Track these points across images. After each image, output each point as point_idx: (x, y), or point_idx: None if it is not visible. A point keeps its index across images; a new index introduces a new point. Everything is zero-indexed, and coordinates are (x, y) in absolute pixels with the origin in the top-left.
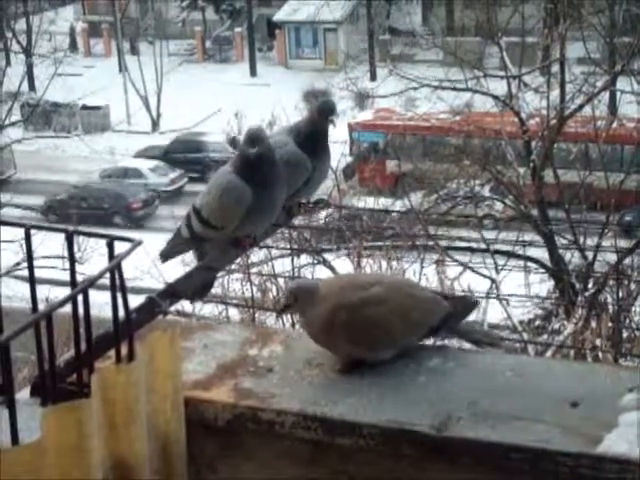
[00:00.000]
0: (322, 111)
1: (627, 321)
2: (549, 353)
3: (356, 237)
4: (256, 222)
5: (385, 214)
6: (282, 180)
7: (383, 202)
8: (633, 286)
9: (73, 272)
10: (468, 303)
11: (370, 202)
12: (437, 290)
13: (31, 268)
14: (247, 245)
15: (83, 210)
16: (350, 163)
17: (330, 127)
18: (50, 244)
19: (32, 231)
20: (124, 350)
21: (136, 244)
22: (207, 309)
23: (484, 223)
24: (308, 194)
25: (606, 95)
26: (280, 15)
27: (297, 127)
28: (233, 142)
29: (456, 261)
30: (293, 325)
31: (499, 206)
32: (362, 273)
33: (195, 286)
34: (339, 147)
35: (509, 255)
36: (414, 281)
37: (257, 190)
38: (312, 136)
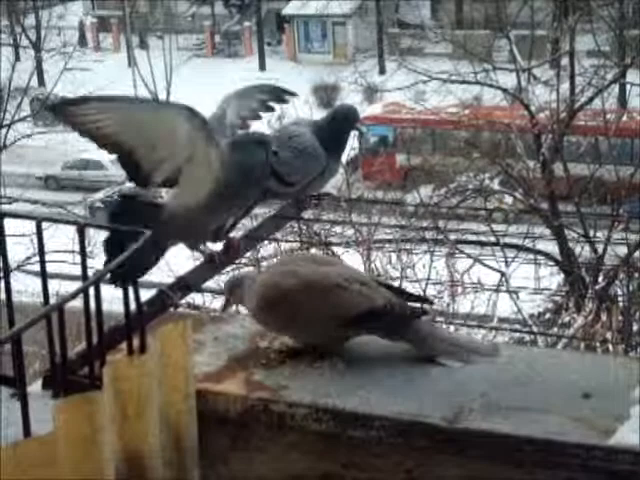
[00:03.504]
0: (348, 117)
1: (637, 314)
2: (559, 346)
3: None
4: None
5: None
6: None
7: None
8: None
9: (85, 265)
10: (412, 307)
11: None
12: (394, 286)
13: (42, 261)
14: (237, 246)
15: None
16: (352, 157)
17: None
18: (59, 238)
19: (43, 225)
20: (135, 342)
21: (146, 236)
22: (217, 303)
23: (494, 216)
24: (318, 188)
25: (616, 88)
26: (289, 9)
27: (320, 123)
28: None
29: (466, 254)
30: None
31: (509, 199)
32: (307, 256)
33: None
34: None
35: (519, 248)
36: (355, 274)
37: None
38: (333, 135)
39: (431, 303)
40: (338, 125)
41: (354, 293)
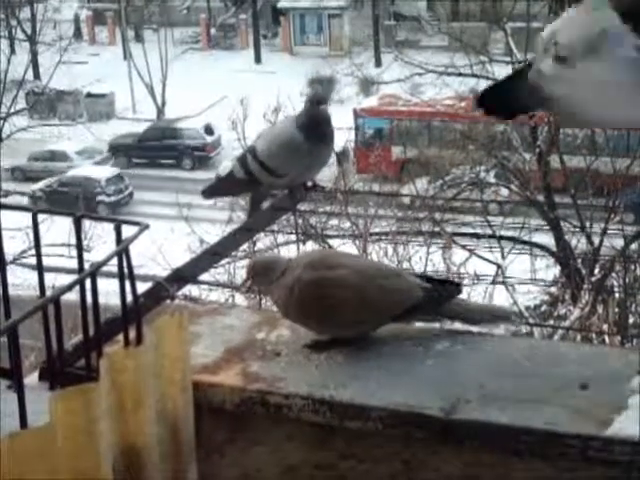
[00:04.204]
0: (312, 100)
1: (633, 306)
2: (556, 338)
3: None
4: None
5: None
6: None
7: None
8: None
9: (81, 257)
10: (450, 288)
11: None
12: (419, 273)
13: (39, 253)
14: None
15: None
16: (342, 149)
17: (330, 112)
18: (54, 232)
19: (39, 217)
20: (132, 334)
21: (143, 228)
22: (214, 296)
23: (489, 209)
24: (310, 177)
25: None
26: (284, 2)
27: (300, 114)
28: (209, 129)
29: (462, 247)
30: None
31: (505, 192)
32: (342, 253)
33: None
34: (344, 133)
35: (515, 241)
36: (391, 268)
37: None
38: (311, 122)
39: (459, 285)
40: (313, 110)
41: (398, 293)
